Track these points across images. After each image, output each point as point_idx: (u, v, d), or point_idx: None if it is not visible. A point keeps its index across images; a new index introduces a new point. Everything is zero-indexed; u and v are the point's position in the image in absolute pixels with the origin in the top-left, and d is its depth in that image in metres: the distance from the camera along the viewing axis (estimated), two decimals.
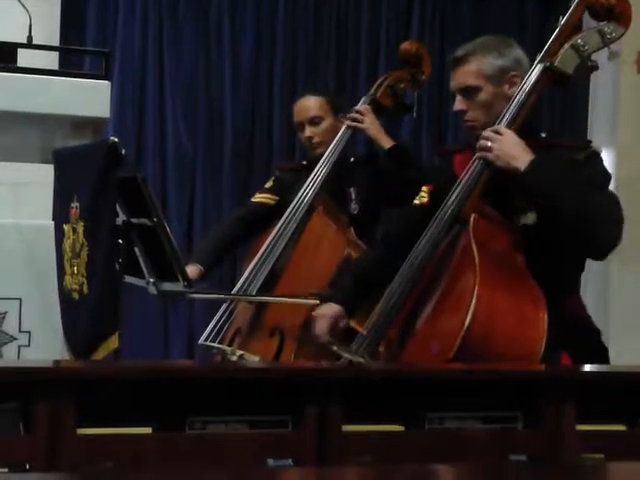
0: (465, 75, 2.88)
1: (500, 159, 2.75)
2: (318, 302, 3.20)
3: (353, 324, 3.16)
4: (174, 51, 5.68)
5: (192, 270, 3.60)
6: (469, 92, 2.88)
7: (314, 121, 3.80)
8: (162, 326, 5.60)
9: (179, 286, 3.04)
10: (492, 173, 2.80)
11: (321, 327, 3.05)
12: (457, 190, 2.81)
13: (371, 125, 3.72)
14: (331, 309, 3.06)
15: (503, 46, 2.92)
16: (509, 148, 2.74)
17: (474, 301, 2.62)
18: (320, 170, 3.72)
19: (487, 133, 2.79)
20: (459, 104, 2.90)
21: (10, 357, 3.38)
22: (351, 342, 2.85)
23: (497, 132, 2.77)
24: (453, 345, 2.61)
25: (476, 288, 2.63)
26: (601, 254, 2.82)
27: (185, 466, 2.13)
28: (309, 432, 2.21)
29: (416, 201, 3.04)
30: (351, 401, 2.24)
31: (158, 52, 5.65)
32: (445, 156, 3.12)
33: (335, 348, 2.87)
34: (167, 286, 3.11)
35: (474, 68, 2.87)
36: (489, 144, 2.76)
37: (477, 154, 2.80)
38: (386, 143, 3.70)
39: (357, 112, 3.73)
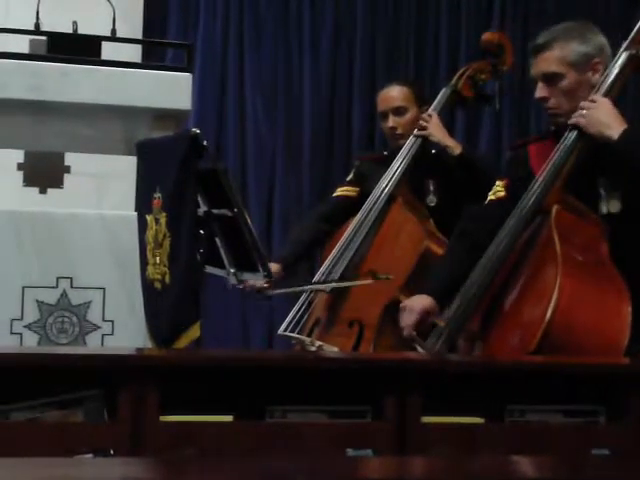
0: (548, 62, 2.84)
1: (592, 126, 2.71)
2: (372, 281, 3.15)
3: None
4: (254, 43, 5.71)
5: (273, 268, 3.63)
6: (552, 79, 2.84)
7: (398, 111, 3.79)
8: (242, 316, 5.64)
9: (259, 276, 3.06)
10: (584, 150, 2.75)
11: (408, 320, 2.91)
12: (541, 178, 2.77)
13: (434, 131, 3.69)
14: (421, 302, 2.92)
15: (586, 32, 2.88)
16: (603, 116, 2.70)
17: (556, 293, 2.59)
18: (400, 161, 3.71)
19: (583, 103, 2.75)
20: (541, 91, 2.86)
21: (94, 345, 3.44)
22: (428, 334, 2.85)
23: (592, 100, 2.74)
24: (535, 337, 2.58)
25: (558, 280, 2.60)
26: None
27: (265, 454, 2.15)
28: (389, 423, 2.22)
29: (492, 196, 3.00)
30: (431, 392, 2.23)
31: (239, 44, 5.70)
32: (519, 149, 3.08)
33: (416, 344, 2.84)
34: (247, 276, 3.13)
35: (557, 54, 2.83)
36: (584, 112, 2.73)
37: (571, 120, 2.76)
38: (454, 148, 3.67)
39: (422, 118, 3.71)
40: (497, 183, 3.00)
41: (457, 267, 2.99)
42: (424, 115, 3.73)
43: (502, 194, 2.97)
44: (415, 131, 3.73)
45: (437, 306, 2.92)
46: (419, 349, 2.81)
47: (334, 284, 3.55)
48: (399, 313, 2.99)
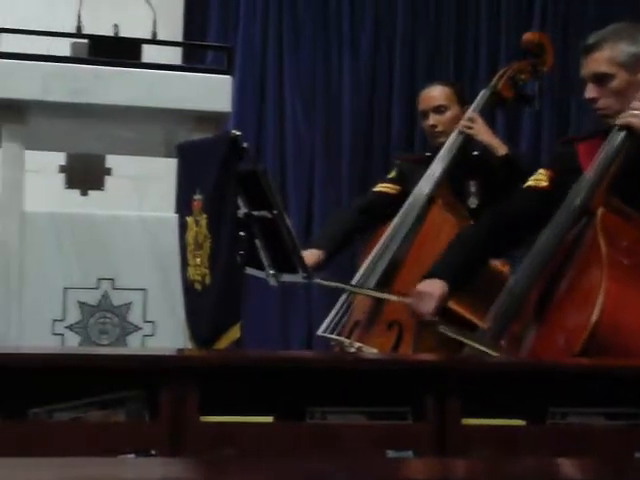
0: (597, 62, 2.83)
1: None
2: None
3: (468, 315, 3.15)
4: (293, 44, 5.73)
5: (312, 254, 3.64)
6: (601, 79, 2.83)
7: (439, 110, 3.80)
8: (281, 316, 5.65)
9: (298, 278, 3.07)
10: (632, 150, 2.73)
11: (428, 306, 2.94)
12: (587, 176, 2.75)
13: (480, 131, 3.69)
14: (438, 288, 2.95)
15: (636, 33, 2.86)
16: None
17: (602, 296, 2.57)
18: (440, 162, 3.70)
19: (635, 103, 2.73)
20: (590, 92, 2.85)
21: (135, 346, 3.46)
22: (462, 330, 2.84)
23: None
24: (581, 339, 2.56)
25: (604, 283, 2.58)
26: None
27: (304, 455, 2.15)
28: (429, 424, 2.21)
29: (531, 182, 2.97)
30: (472, 394, 2.22)
31: (278, 45, 5.72)
32: (568, 144, 3.06)
33: (446, 331, 2.84)
34: (287, 278, 3.14)
35: (607, 55, 2.82)
36: (636, 112, 2.71)
37: (619, 120, 2.74)
38: (499, 148, 3.66)
39: (468, 119, 3.71)
40: (540, 171, 2.97)
41: (475, 249, 3.01)
42: (466, 116, 3.72)
43: (545, 184, 2.94)
44: (459, 128, 3.72)
45: (450, 289, 2.95)
46: (444, 331, 2.82)
47: (379, 294, 3.53)
48: (413, 298, 3.01)
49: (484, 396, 2.25)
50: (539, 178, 2.96)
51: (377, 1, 5.84)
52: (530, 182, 2.97)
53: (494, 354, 2.68)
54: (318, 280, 3.61)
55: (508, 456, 2.21)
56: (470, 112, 3.75)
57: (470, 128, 3.69)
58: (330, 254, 3.76)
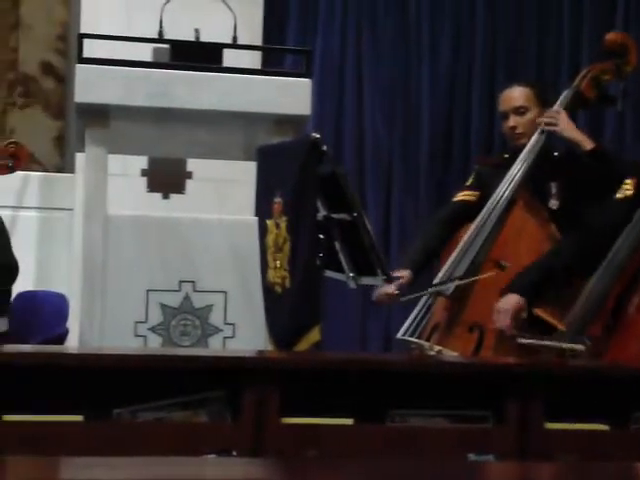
0: None
1: None
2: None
3: (547, 317, 3.13)
4: (373, 48, 5.72)
5: (403, 274, 3.65)
6: None
7: (519, 111, 3.76)
8: (360, 318, 5.65)
9: (378, 280, 3.07)
10: None
11: (504, 321, 3.18)
12: None
13: (566, 127, 3.63)
14: (512, 301, 3.17)
15: None
16: None
17: None
18: (521, 164, 3.66)
19: None
20: None
21: (216, 348, 3.49)
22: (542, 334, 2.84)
23: None
24: None
25: None
26: None
27: (385, 458, 2.15)
28: (510, 428, 2.19)
29: (619, 195, 2.95)
30: (554, 398, 2.20)
31: (357, 49, 5.71)
32: None
33: (524, 340, 2.87)
34: (366, 280, 3.14)
35: None
36: None
37: None
38: (586, 144, 3.60)
39: (550, 115, 3.66)
40: (626, 181, 2.95)
41: (567, 262, 3.05)
42: (551, 111, 3.67)
43: (630, 192, 2.92)
44: (543, 126, 3.67)
45: (526, 303, 3.16)
46: (522, 341, 2.97)
47: (457, 282, 3.52)
48: (494, 315, 3.24)
49: (567, 400, 2.22)
50: (626, 188, 2.93)
51: (457, 5, 5.80)
52: (619, 194, 2.94)
53: (578, 348, 2.68)
54: (409, 297, 3.62)
55: (591, 461, 2.18)
56: (555, 107, 3.69)
57: (554, 125, 3.64)
58: (418, 271, 3.75)
